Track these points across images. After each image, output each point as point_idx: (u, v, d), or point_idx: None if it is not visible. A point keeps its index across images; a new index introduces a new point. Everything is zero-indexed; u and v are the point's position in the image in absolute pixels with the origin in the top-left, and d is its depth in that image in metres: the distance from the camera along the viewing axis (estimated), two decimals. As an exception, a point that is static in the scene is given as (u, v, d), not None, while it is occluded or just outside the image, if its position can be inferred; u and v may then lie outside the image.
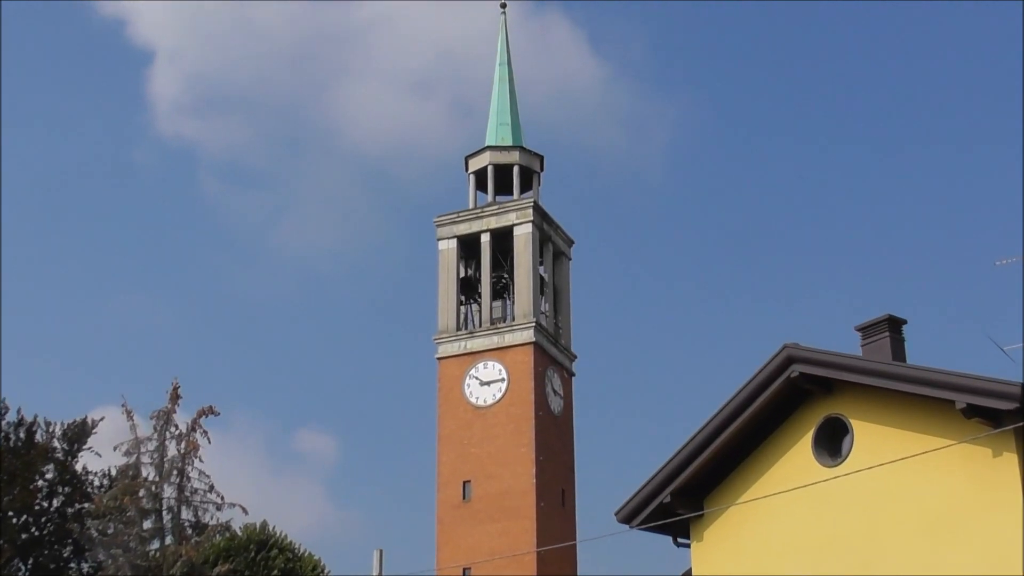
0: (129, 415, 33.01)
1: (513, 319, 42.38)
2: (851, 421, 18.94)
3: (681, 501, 20.35)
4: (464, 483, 40.34)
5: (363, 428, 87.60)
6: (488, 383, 41.38)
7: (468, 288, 44.03)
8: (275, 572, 42.84)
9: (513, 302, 42.81)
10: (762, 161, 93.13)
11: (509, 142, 45.38)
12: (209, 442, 33.71)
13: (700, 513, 20.40)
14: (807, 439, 19.37)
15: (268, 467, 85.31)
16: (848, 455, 18.78)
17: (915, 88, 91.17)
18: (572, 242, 45.97)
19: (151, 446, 32.48)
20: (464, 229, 43.49)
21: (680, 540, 20.68)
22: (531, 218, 42.91)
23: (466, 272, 44.04)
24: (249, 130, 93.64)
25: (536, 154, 45.61)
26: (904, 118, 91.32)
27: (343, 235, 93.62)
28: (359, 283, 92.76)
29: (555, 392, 42.32)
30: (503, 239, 43.47)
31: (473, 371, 41.66)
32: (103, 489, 38.23)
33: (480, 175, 45.10)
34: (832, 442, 19.20)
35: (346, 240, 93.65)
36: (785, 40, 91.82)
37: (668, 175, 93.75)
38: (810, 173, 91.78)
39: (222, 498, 32.56)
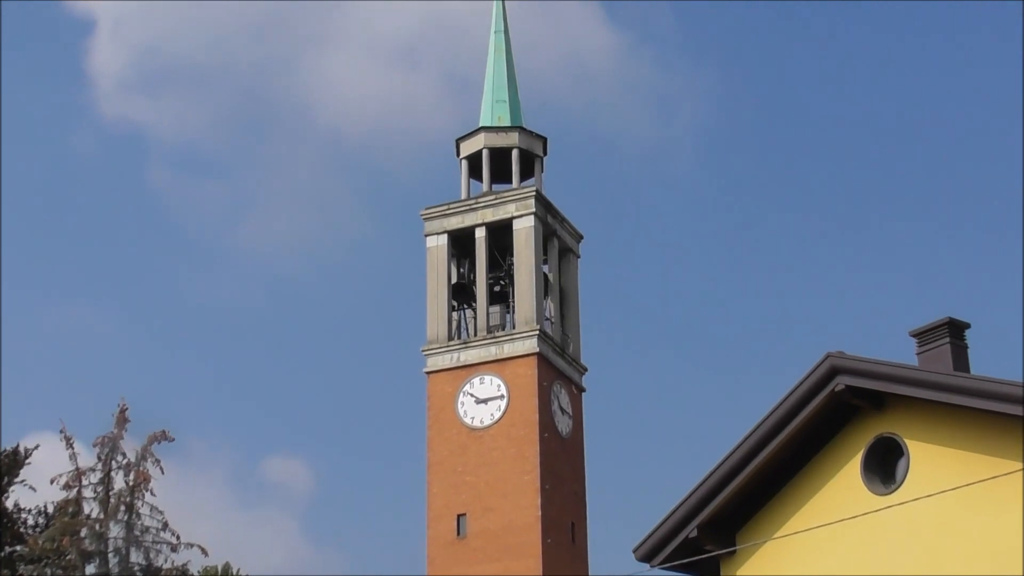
0: (69, 442, 33.06)
1: (513, 327, 42.43)
2: (906, 442, 18.96)
3: (710, 535, 20.37)
4: (458, 517, 40.41)
5: (342, 454, 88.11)
6: (485, 401, 41.42)
7: (461, 291, 44.03)
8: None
9: (513, 307, 42.86)
10: (803, 144, 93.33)
11: (507, 122, 45.39)
12: (162, 472, 33.76)
13: (732, 549, 20.43)
14: (855, 463, 19.38)
15: (233, 500, 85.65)
16: (903, 481, 18.80)
17: (983, 66, 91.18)
18: (581, 237, 45.98)
19: (94, 478, 32.60)
20: (456, 223, 43.54)
21: (708, 581, 20.68)
22: (533, 209, 42.91)
23: (458, 273, 44.07)
24: (206, 111, 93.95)
25: (539, 136, 45.61)
26: (970, 97, 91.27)
27: (316, 232, 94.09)
28: (335, 287, 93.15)
29: (563, 410, 42.37)
30: (501, 234, 43.47)
31: (467, 387, 41.70)
32: (38, 529, 38.15)
33: (474, 160, 45.08)
34: (884, 466, 19.22)
35: (320, 238, 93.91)
36: (833, 3, 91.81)
37: (694, 160, 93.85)
38: (858, 157, 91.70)
39: (178, 538, 32.69)
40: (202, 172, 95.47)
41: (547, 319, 43.40)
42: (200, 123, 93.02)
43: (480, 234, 43.25)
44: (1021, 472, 17.38)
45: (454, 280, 43.75)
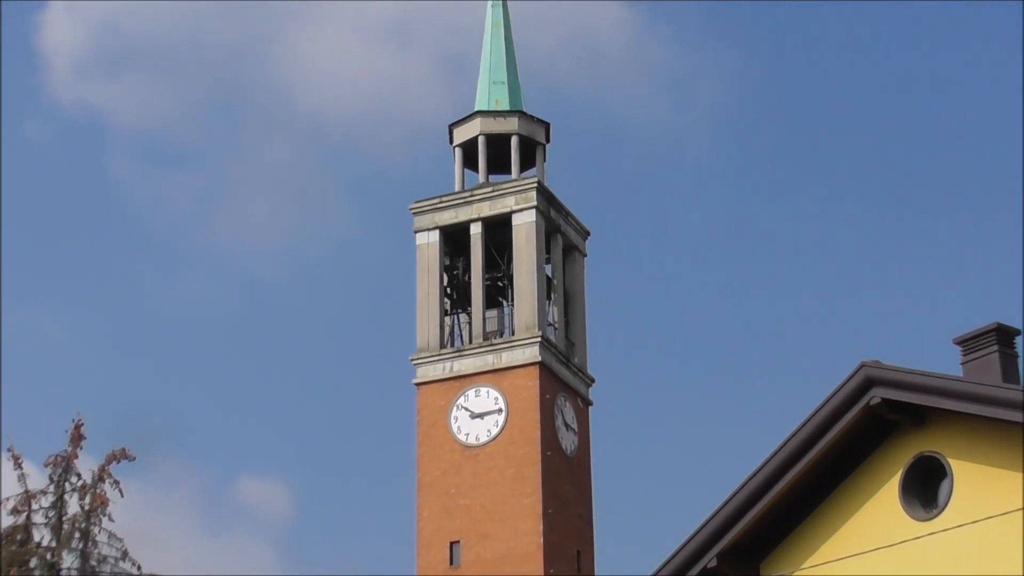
0: (17, 462, 32.92)
1: (512, 333, 42.55)
2: (949, 461, 18.86)
3: (731, 564, 20.27)
4: (451, 544, 40.40)
5: (323, 474, 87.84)
6: (481, 415, 41.48)
7: (454, 294, 44.08)
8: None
9: (512, 311, 42.94)
10: (833, 130, 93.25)
11: (506, 106, 45.46)
12: (122, 495, 33.72)
13: (755, 581, 20.31)
14: (893, 484, 19.31)
15: (202, 524, 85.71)
16: (946, 505, 18.70)
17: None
18: (588, 233, 46.12)
19: (46, 502, 32.48)
20: (449, 218, 43.59)
21: (730, 616, 20.58)
22: (534, 203, 43.00)
23: (452, 273, 44.15)
24: (173, 94, 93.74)
25: (541, 121, 45.71)
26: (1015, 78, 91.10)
27: (295, 229, 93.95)
28: (316, 290, 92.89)
29: (567, 426, 42.40)
30: (499, 230, 43.49)
31: (462, 400, 41.78)
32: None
33: (469, 148, 45.17)
34: (925, 488, 19.12)
35: (299, 235, 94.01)
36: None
37: (714, 149, 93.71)
38: (895, 144, 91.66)
39: (139, 568, 32.60)
40: (169, 163, 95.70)
41: (550, 324, 43.51)
42: (166, 108, 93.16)
43: (476, 230, 43.32)
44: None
45: (447, 281, 43.80)
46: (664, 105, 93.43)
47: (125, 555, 31.90)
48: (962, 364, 19.89)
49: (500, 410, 41.32)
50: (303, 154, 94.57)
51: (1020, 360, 19.95)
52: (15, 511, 31.88)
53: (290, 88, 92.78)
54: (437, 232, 43.45)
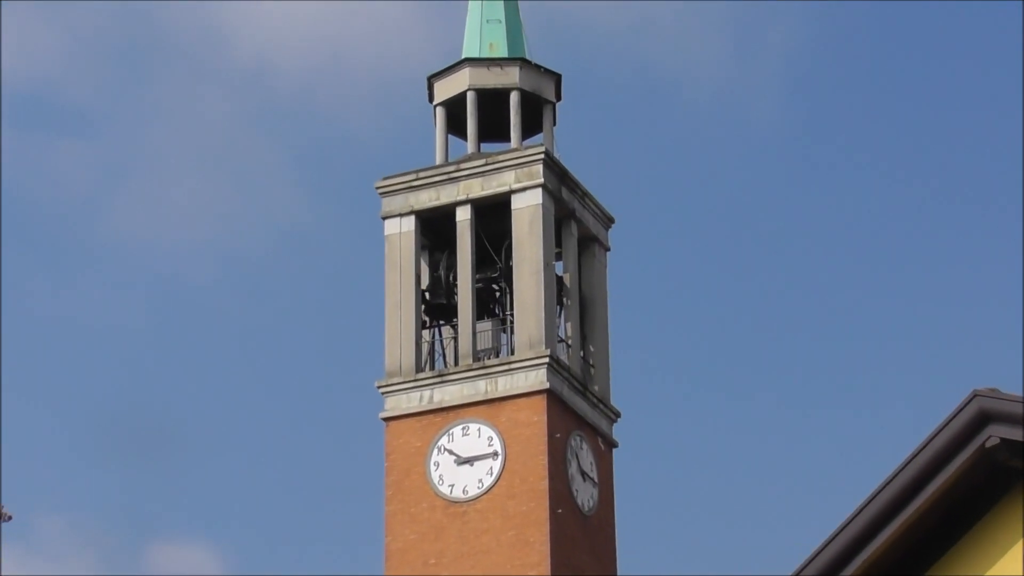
0: None
1: (512, 352, 42.42)
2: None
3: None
4: (430, 631, 40.51)
5: (262, 538, 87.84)
6: (470, 461, 41.33)
7: (436, 299, 43.87)
8: None
9: (512, 322, 42.80)
10: (937, 90, 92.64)
11: (503, 52, 45.32)
12: (-3, 564, 33.46)
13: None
14: (1019, 546, 18.73)
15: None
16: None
17: None
18: (612, 221, 45.96)
19: None
20: (428, 199, 43.44)
21: None
22: (541, 180, 42.72)
23: (433, 273, 43.96)
24: (62, 39, 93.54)
25: (550, 72, 45.50)
26: None
27: (224, 215, 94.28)
28: (251, 295, 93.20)
29: (584, 474, 42.22)
30: (494, 216, 43.24)
31: (445, 440, 41.62)
32: None
33: (454, 108, 44.95)
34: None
35: (229, 224, 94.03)
36: None
37: (786, 112, 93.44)
38: (1013, 106, 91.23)
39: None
40: (58, 128, 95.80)
41: (561, 341, 43.28)
42: (54, 56, 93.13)
43: (463, 215, 43.06)
44: None
45: (425, 284, 43.60)
46: (716, 55, 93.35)
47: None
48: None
49: (495, 454, 41.17)
50: (238, 117, 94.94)
51: None
52: None
53: (224, 32, 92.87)
54: (412, 218, 43.16)
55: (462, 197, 43.15)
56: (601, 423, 43.46)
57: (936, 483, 18.76)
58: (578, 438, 42.21)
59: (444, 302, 43.84)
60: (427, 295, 43.64)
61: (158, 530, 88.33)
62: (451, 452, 41.39)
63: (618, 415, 44.17)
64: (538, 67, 45.18)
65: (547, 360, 41.37)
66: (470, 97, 44.50)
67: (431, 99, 45.14)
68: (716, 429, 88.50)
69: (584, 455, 42.32)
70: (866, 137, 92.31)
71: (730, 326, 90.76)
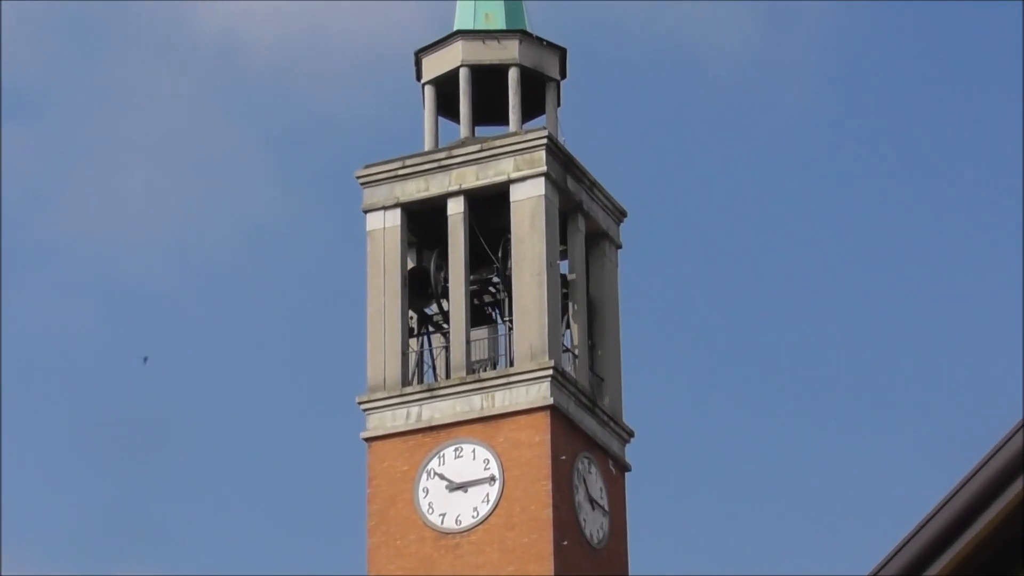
0: None
1: (511, 363, 42.45)
2: None
3: None
4: None
5: (233, 572, 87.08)
6: (464, 486, 41.30)
7: (425, 304, 43.98)
8: None
9: (511, 330, 42.68)
10: (990, 65, 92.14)
11: (501, 24, 45.37)
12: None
13: None
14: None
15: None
16: None
17: None
18: (624, 215, 45.94)
19: None
20: (416, 190, 43.40)
21: None
22: (544, 168, 42.57)
23: (420, 273, 43.78)
24: (19, 13, 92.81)
25: (554, 47, 45.61)
26: None
27: (188, 210, 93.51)
28: (216, 300, 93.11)
29: (593, 502, 42.18)
30: (491, 209, 43.04)
31: (435, 463, 41.62)
32: None
33: (446, 87, 44.92)
34: None
35: (193, 219, 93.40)
36: None
37: (818, 98, 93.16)
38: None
39: None
40: (6, 112, 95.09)
41: (567, 351, 43.46)
42: (7, 33, 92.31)
43: (456, 208, 42.96)
44: None
45: (413, 286, 43.27)
46: (744, 28, 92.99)
47: None
48: None
49: (492, 478, 41.05)
50: (202, 98, 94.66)
51: None
52: None
53: (185, 3, 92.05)
54: (398, 211, 43.02)
55: (454, 188, 43.09)
56: (612, 444, 43.37)
57: (989, 514, 17.94)
58: (586, 461, 42.14)
59: (434, 307, 43.94)
60: (415, 298, 43.45)
61: (120, 560, 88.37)
62: (442, 477, 41.39)
63: (631, 435, 44.06)
64: (540, 40, 45.10)
65: (551, 372, 41.30)
66: (463, 74, 44.43)
67: (418, 76, 45.19)
68: (741, 450, 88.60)
69: (593, 480, 42.30)
70: (906, 125, 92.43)
71: (756, 334, 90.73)
